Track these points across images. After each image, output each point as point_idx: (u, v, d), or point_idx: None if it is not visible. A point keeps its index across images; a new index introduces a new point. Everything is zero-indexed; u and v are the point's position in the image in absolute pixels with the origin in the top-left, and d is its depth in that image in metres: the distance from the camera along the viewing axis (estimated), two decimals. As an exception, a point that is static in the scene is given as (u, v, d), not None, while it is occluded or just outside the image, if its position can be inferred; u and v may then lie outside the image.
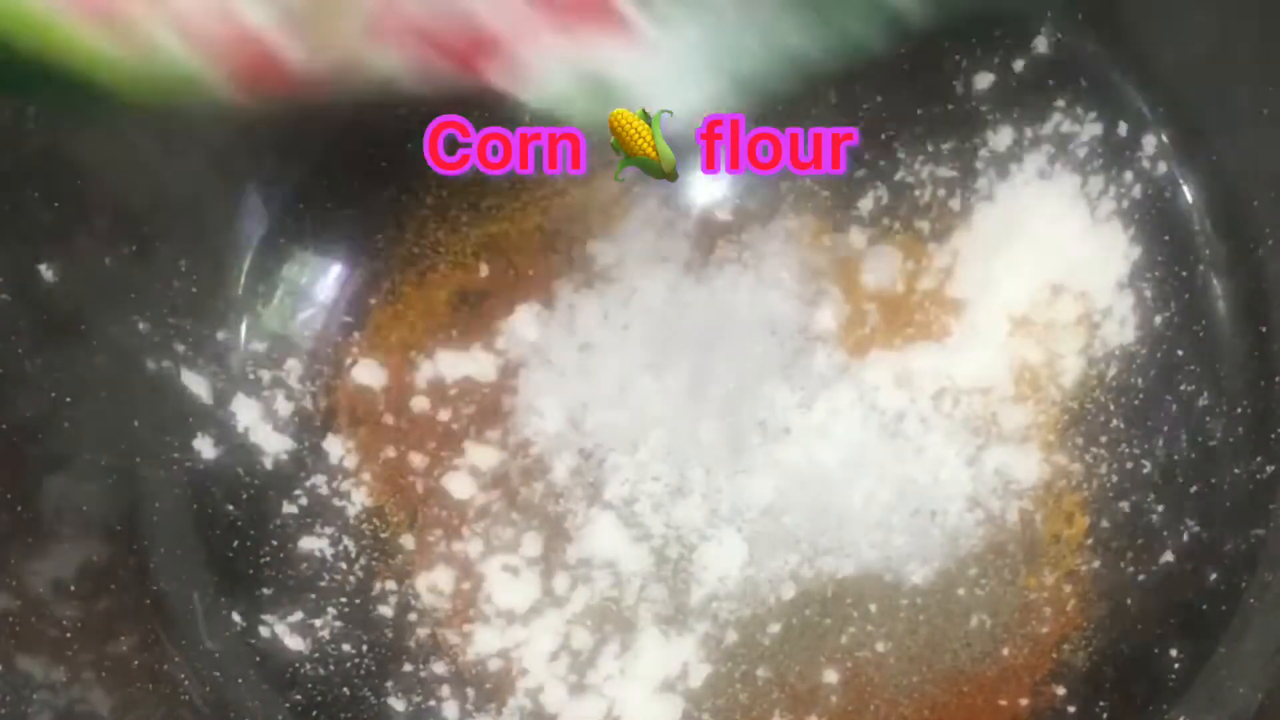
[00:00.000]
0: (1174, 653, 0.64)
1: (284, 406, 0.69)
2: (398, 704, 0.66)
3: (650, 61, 0.45)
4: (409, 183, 0.71)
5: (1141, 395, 0.68)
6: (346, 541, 0.68)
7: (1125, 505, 0.67)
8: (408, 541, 0.68)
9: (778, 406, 0.68)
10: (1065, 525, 0.67)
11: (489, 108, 0.48)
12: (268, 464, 0.68)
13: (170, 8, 0.43)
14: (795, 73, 0.50)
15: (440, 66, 0.46)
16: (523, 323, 0.70)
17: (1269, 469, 0.64)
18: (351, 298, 0.71)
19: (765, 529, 0.67)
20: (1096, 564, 0.67)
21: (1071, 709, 0.65)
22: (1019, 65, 0.69)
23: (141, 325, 0.65)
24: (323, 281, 0.71)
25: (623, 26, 0.44)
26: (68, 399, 0.61)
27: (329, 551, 0.68)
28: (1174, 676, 0.64)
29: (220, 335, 0.68)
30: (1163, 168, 0.67)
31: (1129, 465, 0.68)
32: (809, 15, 0.44)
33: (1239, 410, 0.66)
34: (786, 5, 0.44)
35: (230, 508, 0.67)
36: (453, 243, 0.71)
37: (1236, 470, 0.65)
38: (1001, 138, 0.69)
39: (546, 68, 0.45)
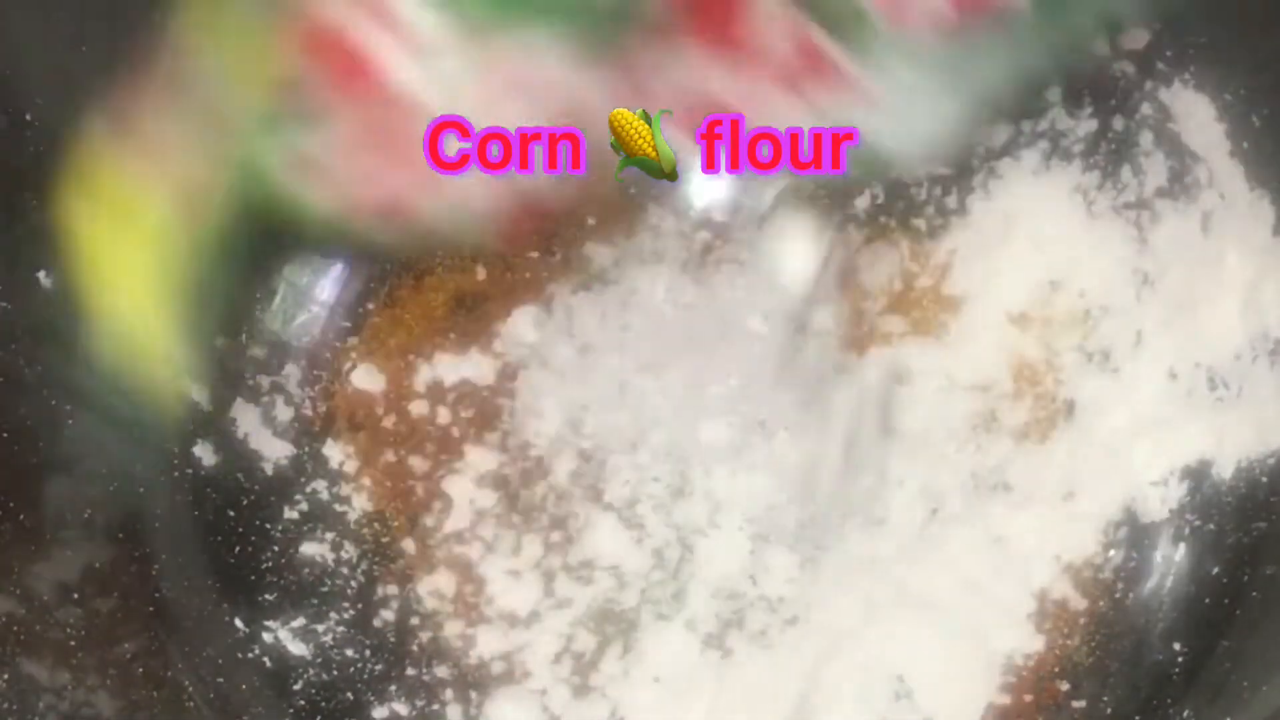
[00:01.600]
0: (1178, 646, 0.65)
1: (283, 412, 0.69)
2: (401, 708, 0.66)
3: (878, 108, 0.49)
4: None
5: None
6: (348, 546, 0.68)
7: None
8: (409, 545, 0.68)
9: (777, 406, 0.68)
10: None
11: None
12: (268, 470, 0.68)
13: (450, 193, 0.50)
14: (1022, 85, 0.56)
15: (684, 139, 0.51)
16: (521, 325, 0.70)
17: (1270, 462, 0.64)
18: (349, 303, 0.71)
19: (766, 528, 0.67)
20: (1099, 558, 0.67)
21: (1076, 704, 0.65)
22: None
23: (140, 332, 0.65)
24: (320, 287, 0.70)
25: (847, 83, 0.47)
26: (67, 406, 0.61)
27: (330, 557, 0.68)
28: (1178, 670, 0.64)
29: (218, 342, 0.68)
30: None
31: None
32: (1029, 33, 0.47)
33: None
34: (1006, 30, 0.47)
35: (231, 514, 0.67)
36: (449, 246, 0.71)
37: (1239, 463, 0.65)
38: (997, 134, 0.69)
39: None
